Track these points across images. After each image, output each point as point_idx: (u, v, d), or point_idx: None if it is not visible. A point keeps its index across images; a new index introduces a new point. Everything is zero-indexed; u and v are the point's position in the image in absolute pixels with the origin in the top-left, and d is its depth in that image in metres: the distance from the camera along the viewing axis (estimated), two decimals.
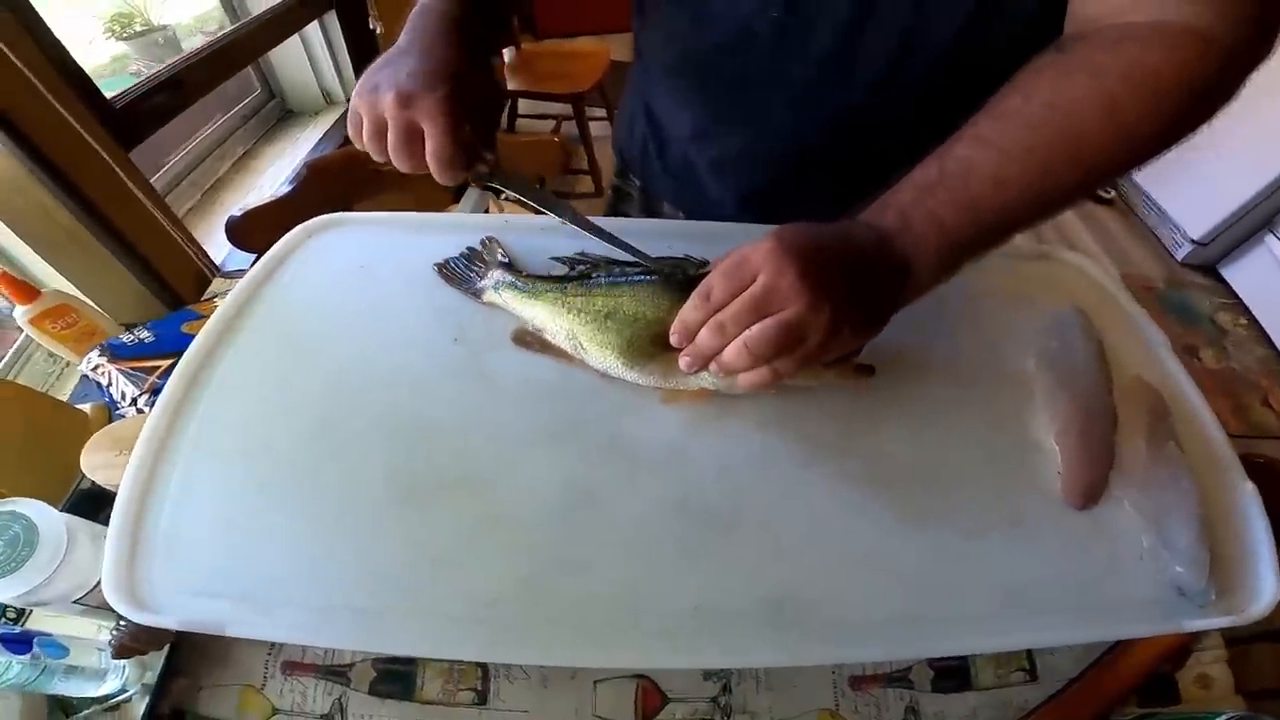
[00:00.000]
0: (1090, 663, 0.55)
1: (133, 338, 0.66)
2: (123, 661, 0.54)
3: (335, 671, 0.57)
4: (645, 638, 0.43)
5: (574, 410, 0.52)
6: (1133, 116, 0.42)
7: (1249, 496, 0.48)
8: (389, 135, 0.49)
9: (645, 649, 0.43)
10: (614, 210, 0.93)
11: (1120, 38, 0.44)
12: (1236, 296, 2.16)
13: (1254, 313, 2.10)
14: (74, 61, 0.92)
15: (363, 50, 1.62)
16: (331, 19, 1.54)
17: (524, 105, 2.44)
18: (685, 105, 0.72)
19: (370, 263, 0.63)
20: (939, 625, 0.43)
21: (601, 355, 0.52)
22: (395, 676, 0.56)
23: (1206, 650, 0.57)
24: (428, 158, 0.49)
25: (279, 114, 1.59)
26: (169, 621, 0.43)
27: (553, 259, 0.59)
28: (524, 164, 1.09)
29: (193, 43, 1.64)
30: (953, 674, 0.57)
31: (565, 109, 2.31)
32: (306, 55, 1.57)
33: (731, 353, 0.42)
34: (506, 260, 0.60)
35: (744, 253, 0.42)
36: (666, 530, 0.46)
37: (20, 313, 0.75)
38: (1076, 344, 0.57)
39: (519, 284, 0.57)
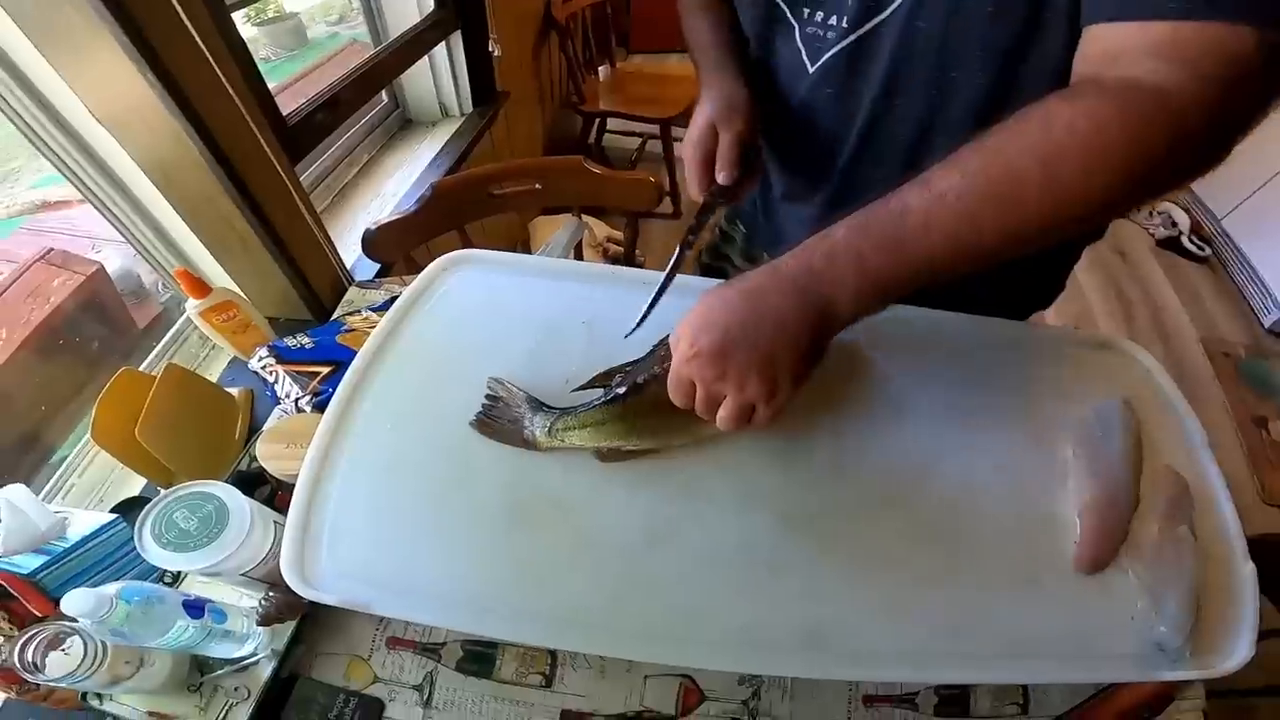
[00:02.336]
0: (1077, 703, 0.62)
1: (295, 343, 0.78)
2: (261, 628, 0.61)
3: (429, 649, 0.66)
4: (698, 645, 0.51)
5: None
6: (1070, 172, 0.41)
7: (1246, 577, 0.56)
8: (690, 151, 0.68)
9: (699, 652, 0.51)
10: (715, 251, 1.03)
11: (1085, 90, 0.44)
12: None
13: None
14: (262, 81, 1.03)
15: (479, 70, 1.76)
16: (456, 39, 1.69)
17: (612, 122, 2.56)
18: (775, 168, 0.80)
19: (495, 299, 0.73)
20: (947, 658, 0.51)
21: (669, 436, 0.59)
22: (478, 657, 0.66)
23: (1186, 700, 0.63)
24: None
25: (400, 123, 1.74)
26: (329, 599, 0.50)
27: (575, 390, 0.62)
28: (622, 201, 1.18)
29: (315, 30, 1.77)
30: (954, 701, 0.64)
31: (651, 127, 2.41)
32: (430, 70, 1.72)
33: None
34: (536, 400, 0.61)
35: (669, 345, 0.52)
36: (725, 564, 0.54)
37: (192, 305, 0.86)
38: (1115, 436, 0.62)
39: (572, 421, 0.58)
